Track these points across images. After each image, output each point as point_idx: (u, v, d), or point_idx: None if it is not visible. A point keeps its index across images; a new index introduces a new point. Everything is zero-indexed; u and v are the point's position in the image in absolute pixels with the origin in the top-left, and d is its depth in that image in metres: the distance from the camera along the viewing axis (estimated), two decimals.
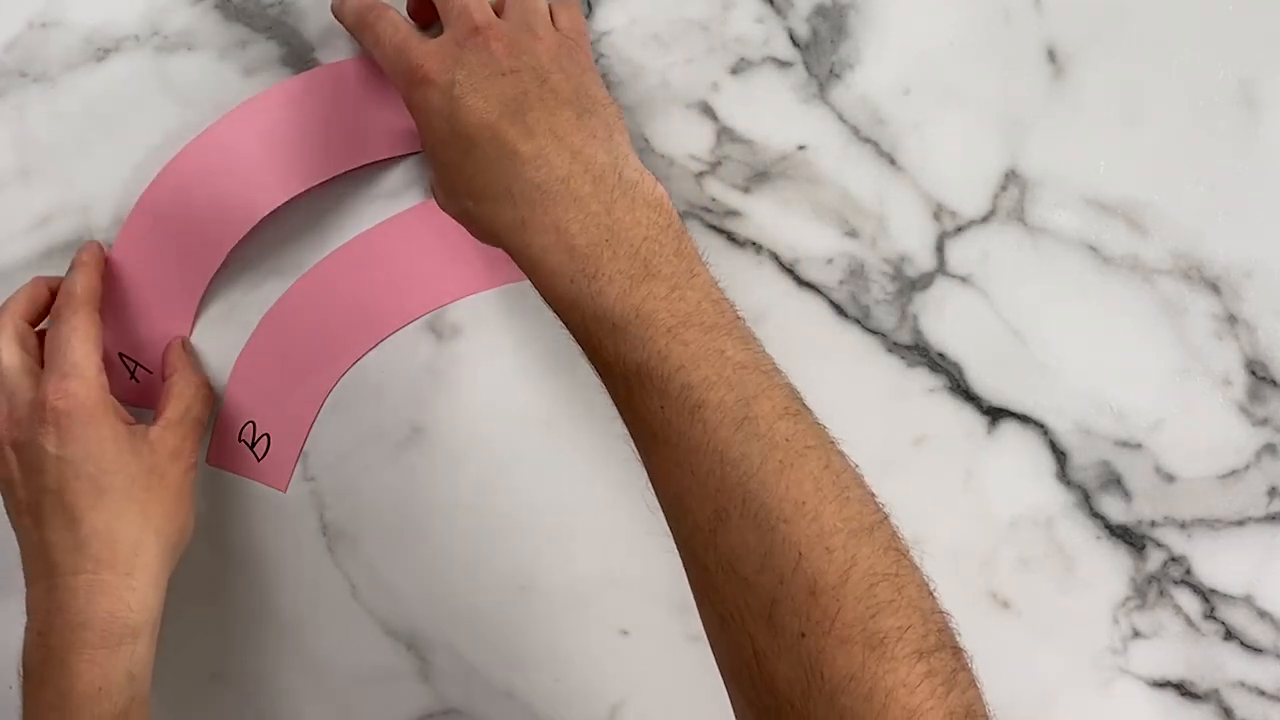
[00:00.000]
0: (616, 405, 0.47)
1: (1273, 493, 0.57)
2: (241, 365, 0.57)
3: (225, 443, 0.57)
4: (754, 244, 0.58)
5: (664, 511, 0.46)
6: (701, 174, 0.58)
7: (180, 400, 0.55)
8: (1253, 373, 0.58)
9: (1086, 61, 0.58)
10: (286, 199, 0.56)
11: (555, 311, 0.47)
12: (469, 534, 0.58)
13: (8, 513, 0.53)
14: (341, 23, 0.55)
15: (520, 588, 0.58)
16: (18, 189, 0.59)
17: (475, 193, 0.48)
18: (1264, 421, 0.57)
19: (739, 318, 0.47)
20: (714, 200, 0.58)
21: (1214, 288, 0.58)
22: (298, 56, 0.59)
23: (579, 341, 0.47)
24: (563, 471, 0.58)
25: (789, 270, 0.58)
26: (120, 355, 0.57)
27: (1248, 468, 0.57)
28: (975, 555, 0.57)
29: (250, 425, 0.57)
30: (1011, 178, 0.58)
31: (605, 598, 0.58)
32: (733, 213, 0.58)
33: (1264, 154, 0.58)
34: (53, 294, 0.56)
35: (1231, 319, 0.58)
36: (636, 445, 0.47)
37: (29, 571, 0.52)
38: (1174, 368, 0.58)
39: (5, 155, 0.59)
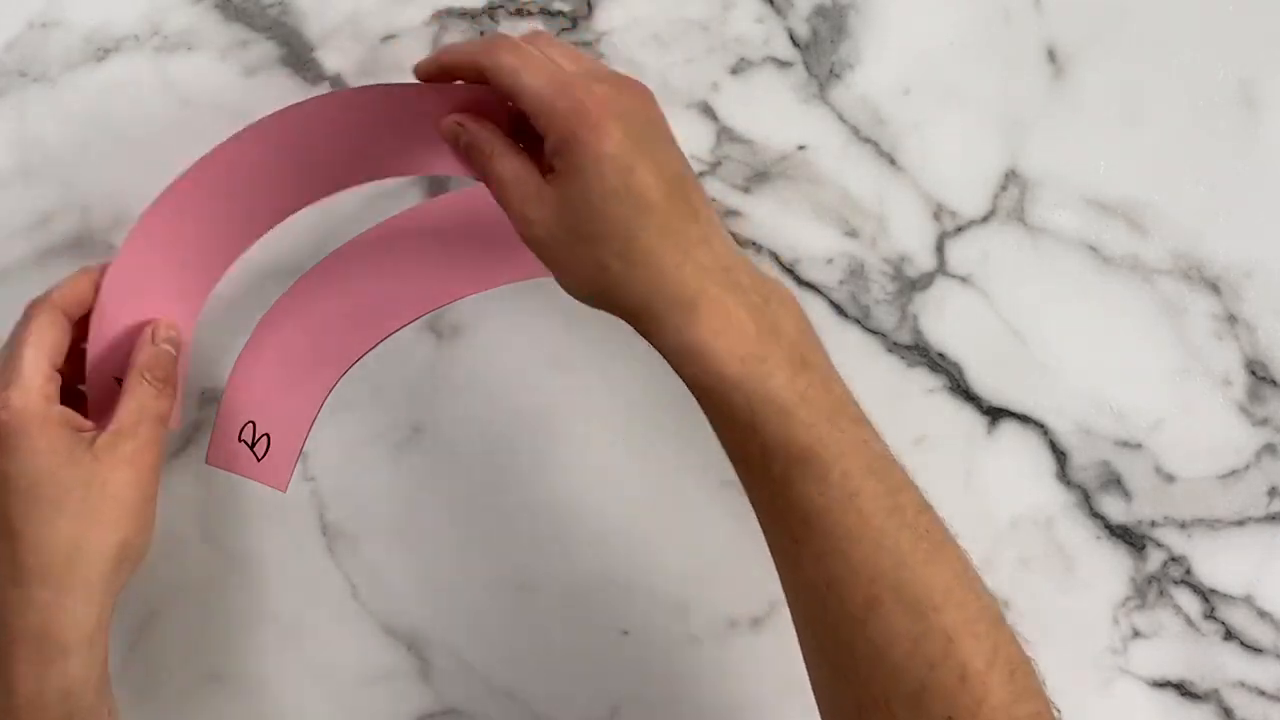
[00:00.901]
0: (761, 493, 0.47)
1: (1273, 493, 0.57)
2: (241, 365, 0.57)
3: (225, 443, 0.57)
4: (754, 244, 0.58)
5: (803, 598, 0.47)
6: (701, 174, 0.58)
7: (133, 401, 0.52)
8: (1253, 373, 0.58)
9: (1086, 61, 0.58)
10: (288, 215, 0.56)
11: (707, 394, 0.46)
12: (469, 534, 0.58)
13: None
14: (451, 60, 0.51)
15: (520, 588, 0.58)
16: (18, 189, 0.59)
17: (633, 259, 0.46)
18: (1264, 421, 0.57)
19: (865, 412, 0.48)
20: (714, 200, 0.58)
21: (1214, 288, 0.58)
22: (298, 56, 0.59)
23: (729, 427, 0.47)
24: (563, 471, 0.58)
25: (789, 270, 0.58)
26: (251, 424, 0.57)
27: (1248, 468, 0.57)
28: (975, 555, 0.57)
29: (250, 425, 0.57)
30: (1011, 178, 0.58)
31: (605, 598, 0.58)
32: (733, 213, 0.58)
33: (1264, 154, 0.58)
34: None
35: (1231, 319, 0.58)
36: (779, 532, 0.47)
37: None
38: (1174, 368, 0.58)
39: (5, 155, 0.59)
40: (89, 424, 0.52)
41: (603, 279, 0.47)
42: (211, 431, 0.57)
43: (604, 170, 0.46)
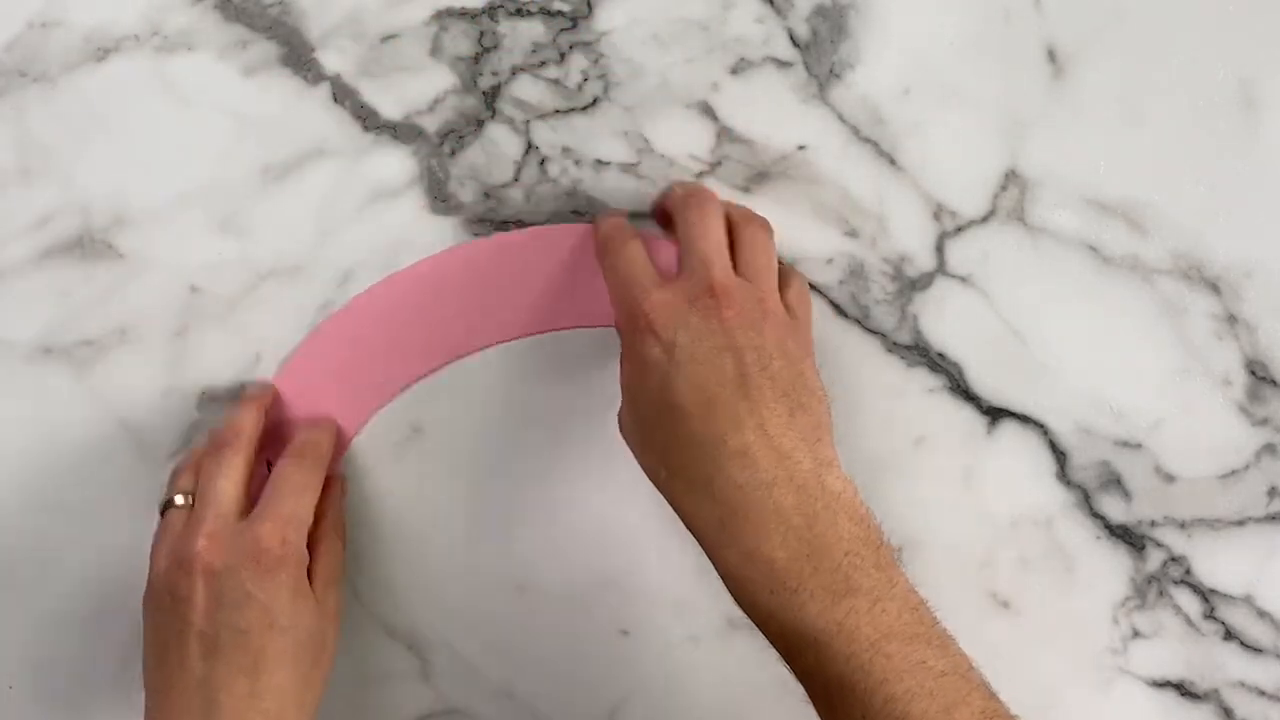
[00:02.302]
0: (816, 705, 0.46)
1: (1273, 493, 0.57)
2: (290, 372, 0.57)
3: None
4: None
5: None
6: (701, 174, 0.58)
7: (333, 557, 0.54)
8: (1253, 373, 0.58)
9: (1086, 61, 0.58)
10: (462, 354, 0.57)
11: (747, 613, 0.47)
12: (469, 534, 0.58)
13: (157, 630, 0.50)
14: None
15: (520, 588, 0.58)
16: (18, 189, 0.59)
17: (672, 466, 0.48)
18: (1264, 421, 0.58)
19: (936, 621, 0.46)
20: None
21: (1214, 288, 0.58)
22: (298, 56, 0.59)
23: (775, 646, 0.46)
24: (563, 471, 0.58)
25: None
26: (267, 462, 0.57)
27: (1248, 468, 0.58)
28: (975, 555, 0.57)
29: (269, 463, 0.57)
30: (1011, 178, 0.58)
31: (605, 598, 0.58)
32: None
33: (1264, 154, 0.58)
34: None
35: (1231, 319, 0.58)
36: None
37: (175, 703, 0.49)
38: (1174, 368, 0.58)
39: (5, 155, 0.59)
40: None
41: (655, 478, 0.49)
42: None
43: (645, 377, 0.48)
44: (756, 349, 0.48)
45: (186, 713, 0.48)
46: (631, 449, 0.50)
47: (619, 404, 0.51)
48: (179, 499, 0.53)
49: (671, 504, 0.49)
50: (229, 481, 0.52)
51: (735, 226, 0.53)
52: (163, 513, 0.54)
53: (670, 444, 0.47)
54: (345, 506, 0.57)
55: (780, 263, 0.54)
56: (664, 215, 0.56)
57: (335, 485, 0.56)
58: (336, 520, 0.55)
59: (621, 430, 0.51)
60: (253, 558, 0.49)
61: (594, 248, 0.55)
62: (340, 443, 0.57)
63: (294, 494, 0.52)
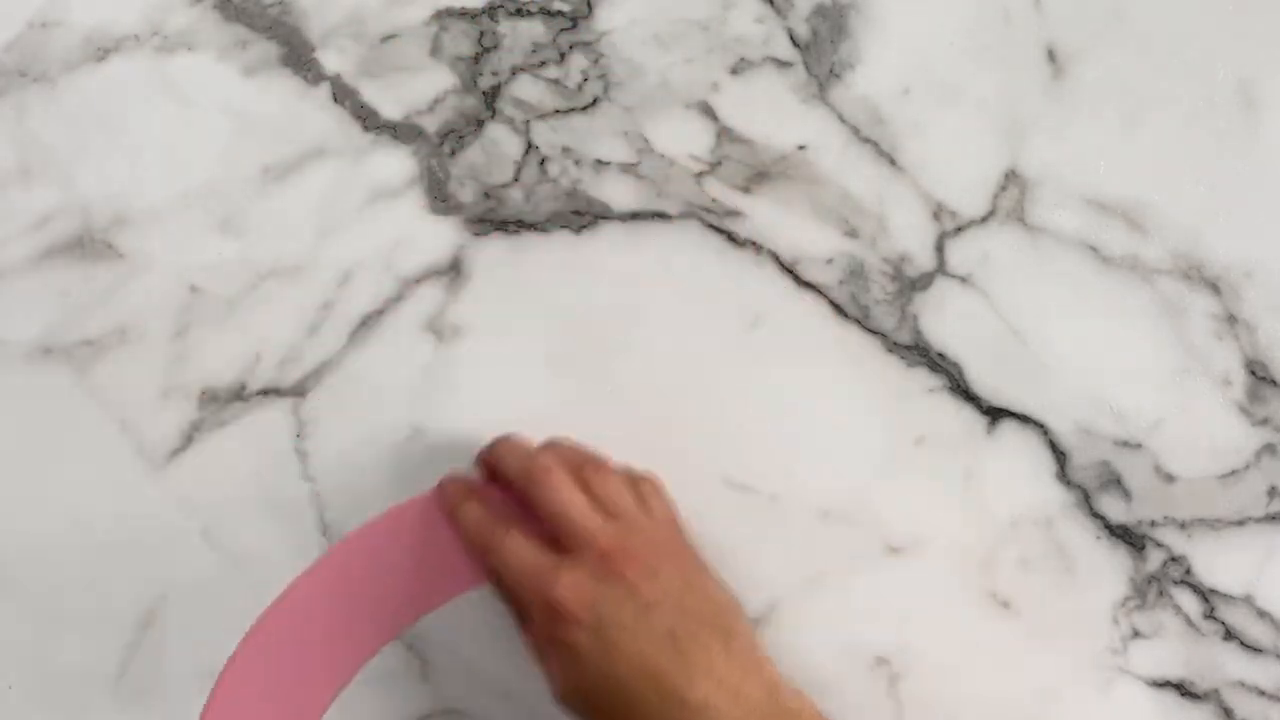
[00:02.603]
0: None
1: (1273, 493, 0.57)
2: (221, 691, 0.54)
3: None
4: (754, 244, 0.58)
5: None
6: (701, 174, 0.58)
7: None
8: (1253, 373, 0.58)
9: (1086, 61, 0.58)
10: (375, 652, 0.55)
11: None
12: None
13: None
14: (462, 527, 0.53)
15: None
16: (18, 189, 0.59)
17: None
18: (1264, 421, 0.58)
19: None
20: (714, 200, 0.58)
21: (1214, 288, 0.58)
22: (298, 56, 0.59)
23: None
24: None
25: (789, 270, 0.58)
26: None
27: (1248, 468, 0.57)
28: (975, 555, 0.57)
29: None
30: (1011, 178, 0.58)
31: None
32: (733, 213, 0.58)
33: (1264, 154, 0.58)
34: None
35: (1231, 319, 0.58)
36: None
37: None
38: (1174, 368, 0.58)
39: (5, 155, 0.59)
40: None
41: None
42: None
43: (585, 663, 0.48)
44: (671, 595, 0.49)
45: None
46: None
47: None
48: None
49: None
50: None
51: (576, 470, 0.52)
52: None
53: (628, 715, 0.48)
54: None
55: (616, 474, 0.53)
56: (489, 468, 0.55)
57: None
58: None
59: (566, 708, 0.50)
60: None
61: (469, 540, 0.53)
62: None
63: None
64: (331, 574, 0.54)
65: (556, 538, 0.50)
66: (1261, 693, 0.57)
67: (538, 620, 0.50)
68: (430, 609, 0.55)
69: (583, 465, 0.53)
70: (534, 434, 0.58)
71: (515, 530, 0.51)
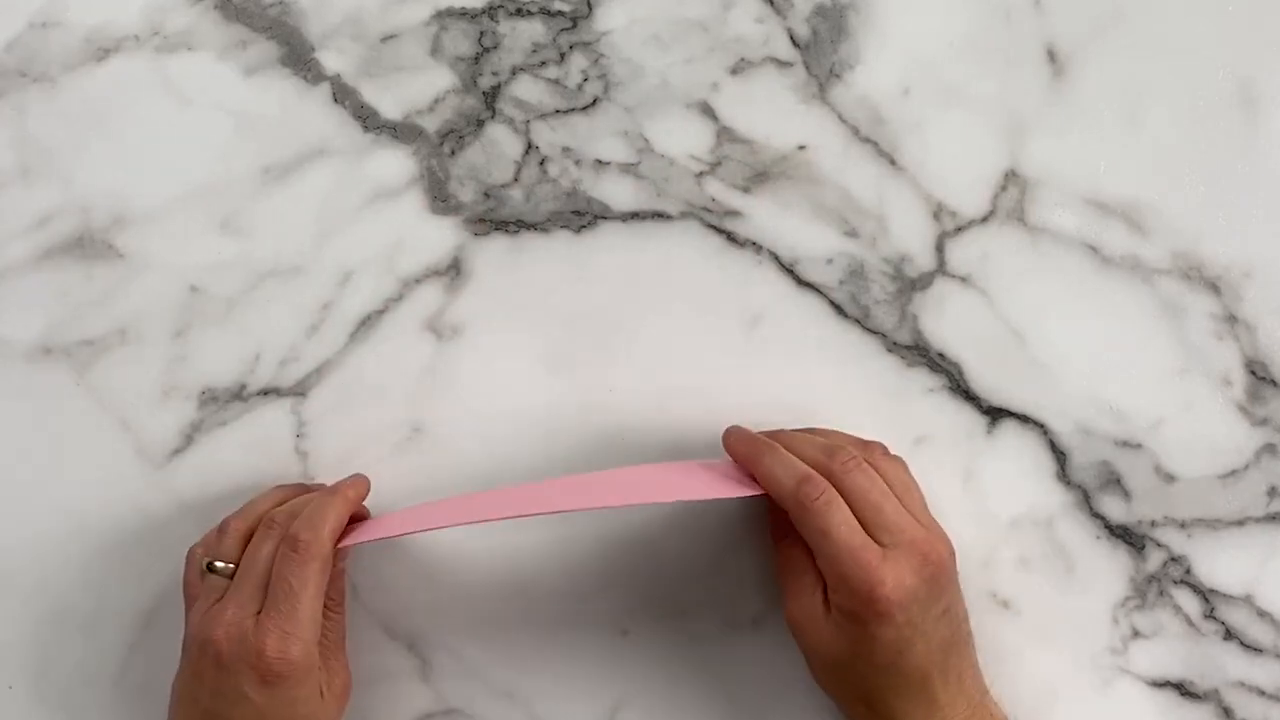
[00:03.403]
0: None
1: (1273, 493, 0.57)
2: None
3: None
4: (754, 244, 0.58)
5: None
6: (701, 174, 0.58)
7: (336, 631, 0.55)
8: (1253, 373, 0.58)
9: (1086, 61, 0.58)
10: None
11: None
12: (469, 534, 0.58)
13: (180, 681, 0.53)
14: (774, 490, 0.52)
15: (520, 588, 0.58)
16: (18, 189, 0.59)
17: (879, 711, 0.52)
18: (1264, 421, 0.58)
19: None
20: (714, 200, 0.58)
21: (1214, 288, 0.58)
22: (298, 56, 0.59)
23: None
24: (562, 471, 0.58)
25: (789, 270, 0.58)
26: None
27: (1248, 468, 0.57)
28: (975, 555, 0.57)
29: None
30: (1011, 178, 0.58)
31: (605, 598, 0.58)
32: (733, 213, 0.58)
33: (1264, 154, 0.58)
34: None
35: (1231, 319, 0.58)
36: None
37: None
38: (1174, 368, 0.58)
39: (5, 155, 0.59)
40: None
41: (848, 706, 0.53)
42: None
43: (877, 649, 0.50)
44: (953, 604, 0.52)
45: None
46: (823, 675, 0.53)
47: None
48: (220, 565, 0.54)
49: (849, 715, 0.54)
50: (264, 567, 0.52)
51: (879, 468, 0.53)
52: (206, 569, 0.54)
53: (881, 695, 0.51)
54: (343, 573, 0.57)
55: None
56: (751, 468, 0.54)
57: (339, 560, 0.56)
58: (330, 598, 0.55)
59: (805, 643, 0.53)
60: (253, 666, 0.51)
61: (783, 502, 0.52)
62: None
63: (293, 599, 0.51)
64: None
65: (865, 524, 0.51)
66: (1261, 693, 0.57)
67: (842, 595, 0.50)
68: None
69: (891, 463, 0.54)
70: (534, 434, 0.58)
71: (842, 501, 0.51)
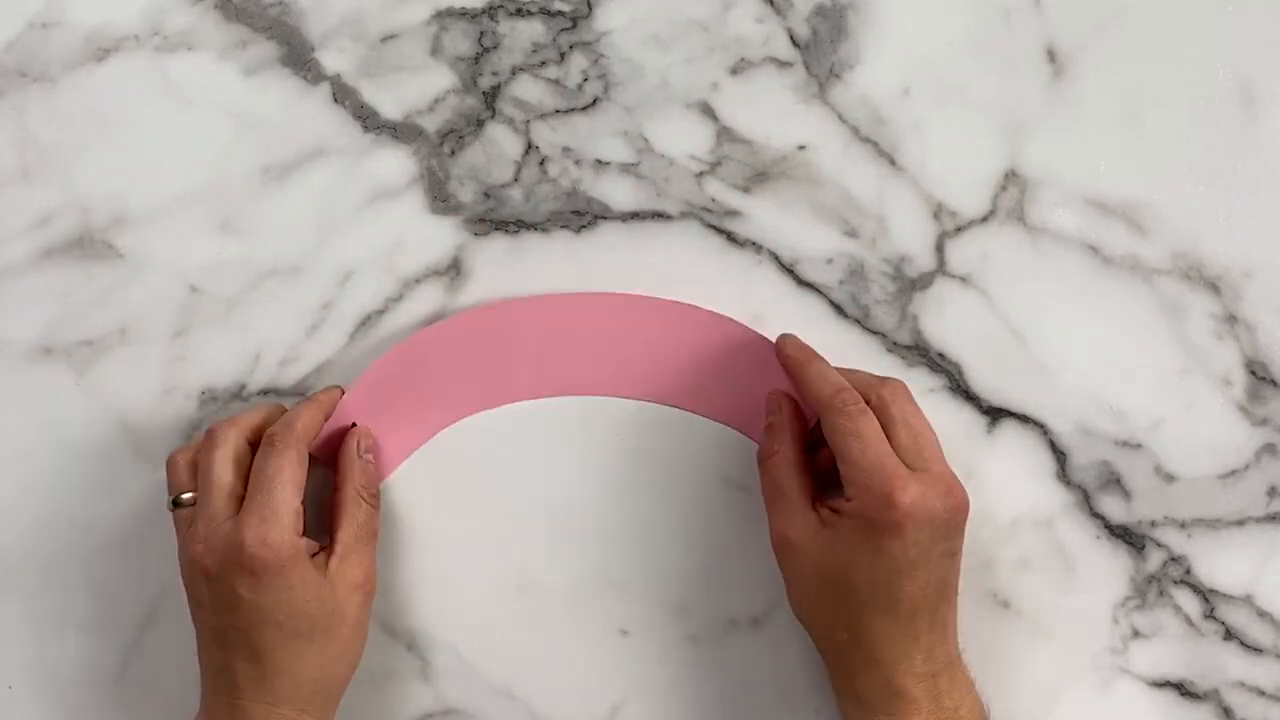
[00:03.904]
0: None
1: (1273, 493, 0.57)
2: (371, 374, 0.57)
3: (328, 431, 0.57)
4: (754, 244, 0.58)
5: None
6: (701, 174, 0.58)
7: (353, 522, 0.55)
8: (1253, 373, 0.58)
9: (1086, 61, 0.58)
10: (540, 397, 0.58)
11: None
12: (469, 534, 0.58)
13: (194, 622, 0.53)
14: (810, 391, 0.54)
15: (520, 588, 0.58)
16: (18, 189, 0.59)
17: (861, 638, 0.51)
18: (1264, 421, 0.58)
19: None
20: (714, 200, 0.58)
21: (1214, 288, 0.58)
22: (298, 56, 0.59)
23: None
24: (563, 471, 0.58)
25: (789, 270, 0.58)
26: (353, 425, 0.57)
27: (1248, 468, 0.57)
28: (975, 555, 0.57)
29: (355, 426, 0.57)
30: (1011, 178, 0.58)
31: (605, 598, 0.58)
32: (733, 213, 0.58)
33: (1264, 154, 0.58)
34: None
35: (1231, 319, 0.58)
36: None
37: (210, 682, 0.53)
38: (1174, 368, 0.58)
39: (5, 155, 0.59)
40: (315, 545, 0.53)
41: (826, 634, 0.53)
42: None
43: (878, 563, 0.50)
44: (959, 552, 0.52)
45: (219, 692, 0.52)
46: (800, 599, 0.53)
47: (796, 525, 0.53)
48: (185, 496, 0.54)
49: (832, 654, 0.53)
50: (220, 476, 0.53)
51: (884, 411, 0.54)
52: (173, 505, 0.54)
53: (868, 621, 0.51)
54: (372, 465, 0.56)
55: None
56: (797, 380, 0.56)
57: (349, 447, 0.56)
58: (359, 485, 0.55)
59: (794, 564, 0.53)
60: (237, 563, 0.51)
61: (823, 409, 0.53)
62: (381, 472, 0.58)
63: (268, 488, 0.52)
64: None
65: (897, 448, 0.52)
66: (1261, 693, 0.57)
67: (861, 498, 0.51)
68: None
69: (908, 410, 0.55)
70: (534, 434, 0.58)
71: (874, 417, 0.52)
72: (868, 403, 0.52)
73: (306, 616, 0.52)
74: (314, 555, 0.53)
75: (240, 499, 0.53)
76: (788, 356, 0.56)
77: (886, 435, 0.52)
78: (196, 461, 0.54)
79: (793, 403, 0.56)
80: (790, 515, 0.53)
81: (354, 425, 0.57)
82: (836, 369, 0.55)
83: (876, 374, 0.55)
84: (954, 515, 0.51)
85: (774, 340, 0.57)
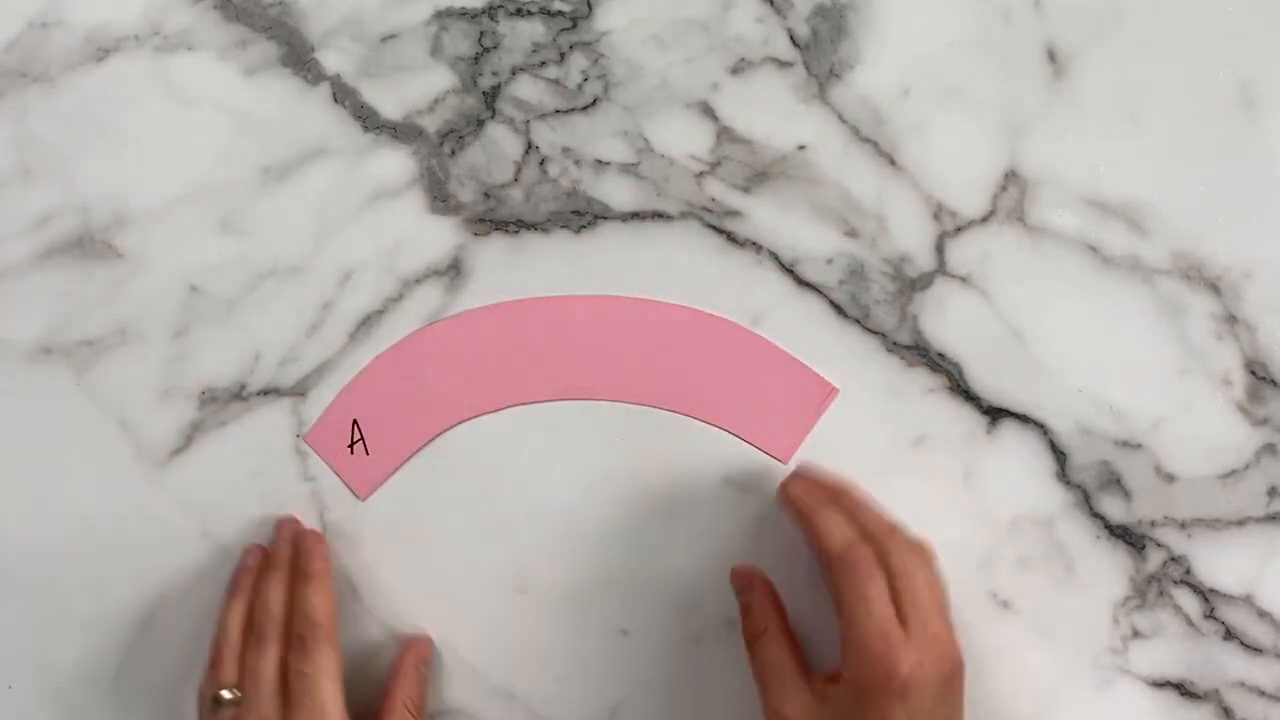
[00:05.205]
0: None
1: (1273, 493, 0.57)
2: (376, 366, 0.57)
3: (330, 426, 0.57)
4: (754, 244, 0.58)
5: None
6: (701, 174, 0.58)
7: (401, 715, 0.55)
8: (1253, 373, 0.58)
9: (1086, 61, 0.58)
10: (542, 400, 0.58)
11: None
12: (469, 534, 0.58)
13: None
14: (823, 545, 0.53)
15: (520, 588, 0.58)
16: (18, 189, 0.59)
17: None
18: (1264, 421, 0.58)
19: None
20: (714, 200, 0.58)
21: (1214, 288, 0.58)
22: (298, 56, 0.59)
23: None
24: (563, 471, 0.58)
25: (789, 270, 0.58)
26: (355, 422, 0.58)
27: (1248, 468, 0.57)
28: (975, 555, 0.57)
29: (357, 424, 0.58)
30: (1011, 178, 0.58)
31: (605, 598, 0.58)
32: (733, 213, 0.58)
33: (1264, 154, 0.58)
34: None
35: (1231, 319, 0.58)
36: None
37: None
38: (1174, 368, 0.58)
39: (5, 155, 0.59)
40: None
41: None
42: (323, 412, 0.58)
43: None
44: (959, 712, 0.51)
45: None
46: None
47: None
48: (227, 695, 0.54)
49: None
50: (269, 676, 0.53)
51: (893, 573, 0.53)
52: (214, 704, 0.54)
53: None
54: (427, 679, 0.57)
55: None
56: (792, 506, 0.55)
57: (407, 657, 0.57)
58: (408, 697, 0.56)
59: None
60: None
61: (831, 562, 0.52)
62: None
63: (315, 688, 0.52)
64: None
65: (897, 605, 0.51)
66: (1261, 693, 0.57)
67: (859, 667, 0.50)
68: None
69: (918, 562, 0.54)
70: (534, 434, 0.58)
71: (882, 577, 0.51)
72: (883, 550, 0.52)
73: None
74: None
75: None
76: (795, 500, 0.55)
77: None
78: (239, 651, 0.55)
79: (762, 579, 0.56)
80: (786, 694, 0.52)
81: (425, 638, 0.58)
82: (851, 504, 0.54)
83: (890, 524, 0.54)
84: (950, 680, 0.50)
85: (774, 343, 0.57)
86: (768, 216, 0.58)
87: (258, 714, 0.52)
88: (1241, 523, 0.57)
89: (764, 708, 0.53)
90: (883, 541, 0.52)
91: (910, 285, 0.58)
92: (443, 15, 0.59)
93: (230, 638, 0.55)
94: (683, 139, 0.59)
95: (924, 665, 0.49)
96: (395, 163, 0.59)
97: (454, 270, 0.59)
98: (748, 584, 0.56)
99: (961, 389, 0.58)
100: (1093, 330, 0.58)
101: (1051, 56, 0.58)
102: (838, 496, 0.55)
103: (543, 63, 0.59)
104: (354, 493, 0.58)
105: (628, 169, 0.59)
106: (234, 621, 0.56)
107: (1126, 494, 0.58)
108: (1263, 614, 0.57)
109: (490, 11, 0.59)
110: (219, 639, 0.55)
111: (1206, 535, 0.57)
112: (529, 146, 0.59)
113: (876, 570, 0.51)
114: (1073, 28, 0.58)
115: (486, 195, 0.59)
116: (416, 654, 0.57)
